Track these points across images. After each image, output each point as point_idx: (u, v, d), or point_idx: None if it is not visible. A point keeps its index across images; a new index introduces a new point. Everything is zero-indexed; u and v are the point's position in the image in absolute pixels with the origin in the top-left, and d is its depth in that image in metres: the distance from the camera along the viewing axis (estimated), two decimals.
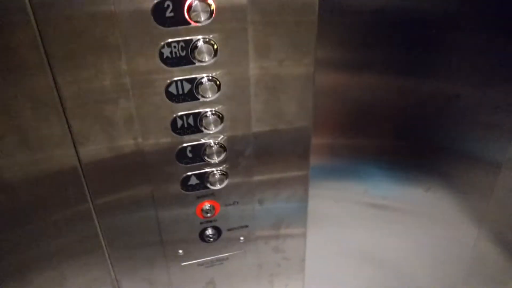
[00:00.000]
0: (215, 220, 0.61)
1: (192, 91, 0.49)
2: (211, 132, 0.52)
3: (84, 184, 0.53)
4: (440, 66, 0.62)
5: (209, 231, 0.61)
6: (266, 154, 0.57)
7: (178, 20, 0.45)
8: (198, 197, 0.58)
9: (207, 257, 0.64)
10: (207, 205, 0.58)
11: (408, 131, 0.68)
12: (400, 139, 0.68)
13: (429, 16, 0.57)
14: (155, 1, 0.43)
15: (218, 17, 0.46)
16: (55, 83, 0.46)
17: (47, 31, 0.43)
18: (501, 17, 0.59)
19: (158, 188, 0.55)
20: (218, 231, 0.62)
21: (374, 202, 0.71)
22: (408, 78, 0.63)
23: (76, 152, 0.50)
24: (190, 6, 0.44)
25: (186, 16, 0.45)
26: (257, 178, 0.59)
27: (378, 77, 0.61)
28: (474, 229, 0.77)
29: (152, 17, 0.44)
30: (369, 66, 0.60)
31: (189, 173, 0.55)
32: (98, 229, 0.57)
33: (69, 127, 0.49)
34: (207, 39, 0.47)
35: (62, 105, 0.47)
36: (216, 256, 0.64)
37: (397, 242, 0.78)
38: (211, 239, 0.61)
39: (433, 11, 0.57)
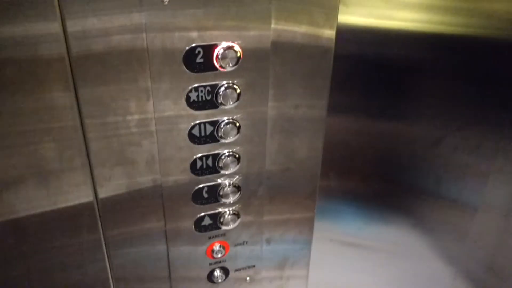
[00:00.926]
0: (224, 261, 0.61)
1: (213, 133, 0.51)
2: (227, 172, 0.54)
3: (98, 216, 0.52)
4: (418, 111, 0.66)
5: (217, 272, 0.61)
6: (277, 194, 0.59)
7: (207, 66, 0.47)
8: (210, 238, 0.58)
9: None
10: (217, 246, 0.59)
11: (388, 174, 0.71)
12: (379, 181, 0.71)
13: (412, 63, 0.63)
14: (187, 48, 0.46)
15: (243, 64, 0.48)
16: (82, 124, 0.46)
17: (80, 71, 0.44)
18: (475, 66, 0.65)
19: (171, 227, 0.56)
20: (226, 272, 0.62)
21: (350, 241, 0.73)
22: (385, 122, 0.67)
23: (94, 189, 0.50)
24: (218, 54, 0.47)
25: (215, 62, 0.47)
26: (267, 217, 0.60)
27: (358, 121, 0.65)
28: (451, 269, 0.80)
29: (183, 63, 0.46)
30: (352, 110, 0.64)
31: (203, 214, 0.56)
32: (107, 261, 0.55)
33: (91, 169, 0.49)
34: (231, 84, 0.49)
35: (86, 147, 0.47)
36: None
37: (372, 279, 0.80)
38: (219, 280, 0.62)
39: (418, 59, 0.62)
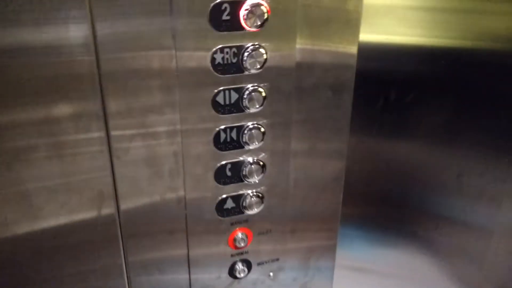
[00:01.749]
0: (246, 252, 0.56)
1: (238, 102, 0.48)
2: (251, 147, 0.50)
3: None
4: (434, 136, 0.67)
5: (239, 265, 0.56)
6: (302, 179, 0.55)
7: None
8: (232, 224, 0.54)
9: None
10: (240, 234, 0.54)
11: (403, 199, 0.71)
12: (391, 206, 0.71)
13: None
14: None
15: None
16: (108, 137, 0.44)
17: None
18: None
19: (191, 212, 0.51)
20: (248, 265, 0.57)
21: (363, 266, 0.71)
22: (399, 145, 0.67)
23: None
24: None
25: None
26: (291, 203, 0.56)
27: (372, 144, 0.64)
28: None
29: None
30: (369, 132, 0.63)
31: (225, 196, 0.52)
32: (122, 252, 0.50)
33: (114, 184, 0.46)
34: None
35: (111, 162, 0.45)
36: None
37: None
38: (241, 274, 0.56)
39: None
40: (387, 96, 0.64)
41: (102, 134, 0.44)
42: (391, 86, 0.63)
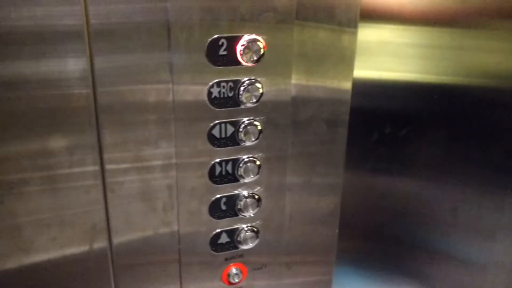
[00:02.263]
0: None
1: (234, 135, 0.48)
2: (247, 180, 0.50)
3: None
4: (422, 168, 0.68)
5: None
6: (298, 213, 0.55)
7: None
8: (226, 259, 0.53)
9: None
10: (234, 269, 0.53)
11: (396, 233, 0.71)
12: (386, 241, 0.71)
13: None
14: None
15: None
16: (102, 170, 0.44)
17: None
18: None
19: (185, 246, 0.50)
20: None
21: None
22: (393, 179, 0.68)
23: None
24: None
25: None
26: (287, 237, 0.55)
27: (367, 179, 0.65)
28: None
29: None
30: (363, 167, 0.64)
31: (219, 230, 0.51)
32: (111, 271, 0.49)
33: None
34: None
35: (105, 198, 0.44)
36: None
37: None
38: None
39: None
40: (381, 131, 0.65)
41: (96, 167, 0.44)
42: (385, 121, 0.64)
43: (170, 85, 0.44)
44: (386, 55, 0.59)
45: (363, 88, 0.55)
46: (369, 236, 0.70)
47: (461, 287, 0.76)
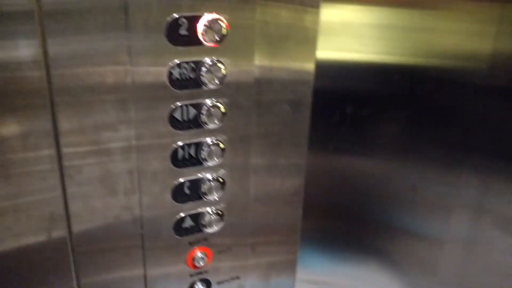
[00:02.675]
0: (205, 272, 0.55)
1: (196, 118, 0.47)
2: (211, 164, 0.49)
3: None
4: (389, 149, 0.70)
5: (199, 285, 0.55)
6: (263, 193, 0.55)
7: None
8: (191, 243, 0.52)
9: None
10: (199, 253, 0.53)
11: (358, 212, 0.73)
12: (348, 219, 0.73)
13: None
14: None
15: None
16: (59, 155, 0.42)
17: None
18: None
19: (148, 230, 0.49)
20: (208, 284, 0.55)
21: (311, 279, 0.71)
22: (355, 159, 0.69)
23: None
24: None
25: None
26: (252, 218, 0.55)
27: (330, 159, 0.66)
28: None
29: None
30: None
31: (183, 214, 0.50)
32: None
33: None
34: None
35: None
36: None
37: None
38: None
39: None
40: (343, 111, 0.65)
41: (53, 152, 0.42)
42: (346, 102, 0.65)
43: (129, 67, 0.42)
44: (347, 35, 0.59)
45: (324, 69, 0.55)
46: (331, 215, 0.71)
47: (419, 262, 0.79)
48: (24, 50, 0.38)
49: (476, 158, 0.74)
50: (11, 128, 0.40)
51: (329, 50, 0.58)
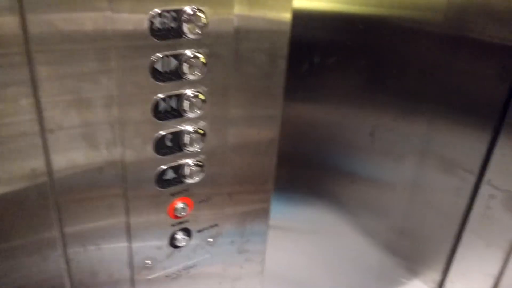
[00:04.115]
0: (186, 221, 0.56)
1: (177, 69, 0.46)
2: (191, 116, 0.49)
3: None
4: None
5: (180, 235, 0.56)
6: (240, 142, 0.56)
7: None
8: (172, 194, 0.53)
9: (175, 266, 0.58)
10: (180, 204, 0.54)
11: (320, 159, 0.76)
12: (312, 167, 0.76)
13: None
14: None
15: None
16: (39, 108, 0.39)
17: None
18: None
19: (131, 185, 0.49)
20: (188, 233, 0.57)
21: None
22: (318, 107, 0.71)
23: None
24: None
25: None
26: (230, 169, 0.56)
27: (296, 107, 0.68)
28: (371, 241, 0.88)
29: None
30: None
31: (164, 166, 0.50)
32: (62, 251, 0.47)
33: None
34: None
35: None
36: (183, 264, 0.58)
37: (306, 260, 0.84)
38: (182, 243, 0.56)
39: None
40: (310, 60, 0.66)
41: (32, 107, 0.40)
42: (312, 51, 0.66)
43: (109, 13, 0.40)
44: None
45: (296, 19, 0.55)
46: (296, 163, 0.74)
47: (372, 205, 0.85)
48: None
49: (425, 104, 0.78)
50: None
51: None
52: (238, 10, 0.47)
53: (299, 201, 0.77)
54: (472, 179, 0.80)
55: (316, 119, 0.73)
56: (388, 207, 0.88)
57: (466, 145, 0.79)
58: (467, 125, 0.79)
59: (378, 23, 0.69)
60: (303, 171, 0.76)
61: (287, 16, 0.51)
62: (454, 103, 0.78)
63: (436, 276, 0.93)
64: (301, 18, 0.60)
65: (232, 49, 0.49)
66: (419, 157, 0.84)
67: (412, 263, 0.95)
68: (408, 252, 0.94)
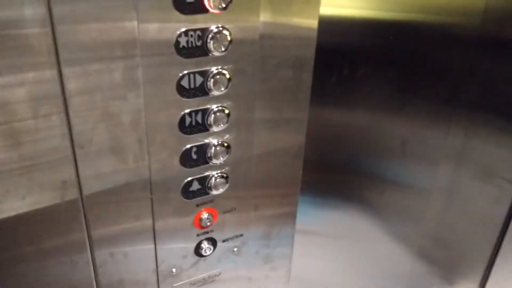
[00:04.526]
0: (211, 231, 0.57)
1: (203, 85, 0.47)
2: (216, 130, 0.50)
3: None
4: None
5: (205, 244, 0.57)
6: (265, 155, 0.56)
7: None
8: (198, 205, 0.54)
9: (200, 274, 0.59)
10: (205, 214, 0.55)
11: (351, 165, 0.75)
12: (342, 173, 0.75)
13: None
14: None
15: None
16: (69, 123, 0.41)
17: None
18: None
19: (158, 196, 0.51)
20: (213, 243, 0.58)
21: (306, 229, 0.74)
22: (350, 115, 0.70)
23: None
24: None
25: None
26: (255, 180, 0.57)
27: (326, 115, 0.67)
28: (404, 247, 0.86)
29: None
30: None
31: (191, 178, 0.52)
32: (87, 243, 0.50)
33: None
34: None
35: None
36: (208, 273, 0.60)
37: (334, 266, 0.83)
38: (207, 252, 0.57)
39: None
40: (340, 67, 0.66)
41: (64, 123, 0.42)
42: (344, 58, 0.65)
43: (137, 34, 0.42)
44: None
45: (324, 26, 0.55)
46: (326, 169, 0.73)
47: (405, 211, 0.83)
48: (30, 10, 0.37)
49: (462, 111, 0.76)
50: (20, 94, 0.40)
51: (328, 6, 0.58)
52: (263, 18, 0.47)
53: (327, 206, 0.77)
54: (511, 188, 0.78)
55: (345, 125, 0.73)
56: (422, 214, 0.86)
57: (505, 153, 0.77)
58: (506, 133, 0.76)
59: (410, 29, 0.68)
60: (333, 175, 0.76)
61: (314, 22, 0.51)
62: (492, 109, 0.76)
63: (472, 287, 0.91)
64: (330, 24, 0.59)
65: (257, 62, 0.49)
66: (455, 164, 0.82)
67: (447, 272, 0.93)
68: (443, 261, 0.92)
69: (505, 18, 0.68)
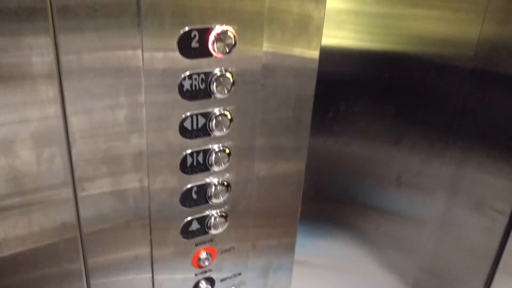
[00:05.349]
0: (210, 270, 0.56)
1: (205, 126, 0.48)
2: (217, 169, 0.50)
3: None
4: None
5: (203, 284, 0.56)
6: (264, 194, 0.56)
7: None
8: (197, 245, 0.54)
9: None
10: (204, 254, 0.54)
11: (346, 198, 0.76)
12: (338, 204, 0.76)
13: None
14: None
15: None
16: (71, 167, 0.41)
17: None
18: None
19: (156, 236, 0.50)
20: (211, 282, 0.57)
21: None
22: (346, 150, 0.71)
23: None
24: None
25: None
26: (253, 220, 0.57)
27: (322, 149, 0.68)
28: (395, 276, 0.86)
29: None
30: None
31: (190, 218, 0.52)
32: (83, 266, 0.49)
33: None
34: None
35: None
36: None
37: None
38: None
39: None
40: (337, 103, 0.66)
41: (66, 166, 0.42)
42: (340, 93, 0.66)
43: (142, 77, 0.42)
44: (329, 21, 0.59)
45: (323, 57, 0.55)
46: (322, 201, 0.73)
47: (401, 242, 0.83)
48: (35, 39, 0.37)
49: (456, 142, 0.77)
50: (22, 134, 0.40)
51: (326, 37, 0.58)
52: (265, 61, 0.48)
53: (323, 236, 0.76)
54: (504, 220, 0.78)
55: (342, 156, 0.73)
56: (417, 245, 0.86)
57: (497, 184, 0.77)
58: (498, 164, 0.77)
59: (406, 61, 0.69)
60: (329, 206, 0.76)
61: (315, 54, 0.52)
62: (485, 141, 0.77)
63: None
64: (327, 55, 0.60)
65: (259, 102, 0.50)
66: (448, 196, 0.82)
67: None
68: None
69: (498, 49, 0.70)
